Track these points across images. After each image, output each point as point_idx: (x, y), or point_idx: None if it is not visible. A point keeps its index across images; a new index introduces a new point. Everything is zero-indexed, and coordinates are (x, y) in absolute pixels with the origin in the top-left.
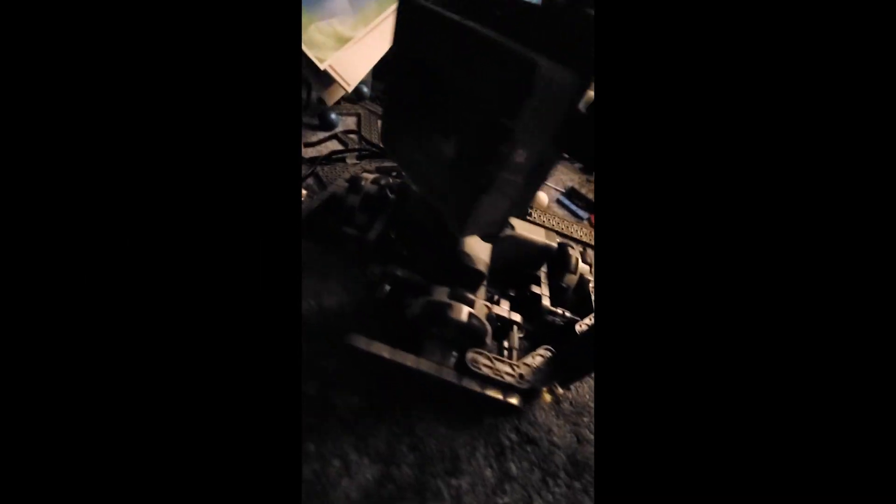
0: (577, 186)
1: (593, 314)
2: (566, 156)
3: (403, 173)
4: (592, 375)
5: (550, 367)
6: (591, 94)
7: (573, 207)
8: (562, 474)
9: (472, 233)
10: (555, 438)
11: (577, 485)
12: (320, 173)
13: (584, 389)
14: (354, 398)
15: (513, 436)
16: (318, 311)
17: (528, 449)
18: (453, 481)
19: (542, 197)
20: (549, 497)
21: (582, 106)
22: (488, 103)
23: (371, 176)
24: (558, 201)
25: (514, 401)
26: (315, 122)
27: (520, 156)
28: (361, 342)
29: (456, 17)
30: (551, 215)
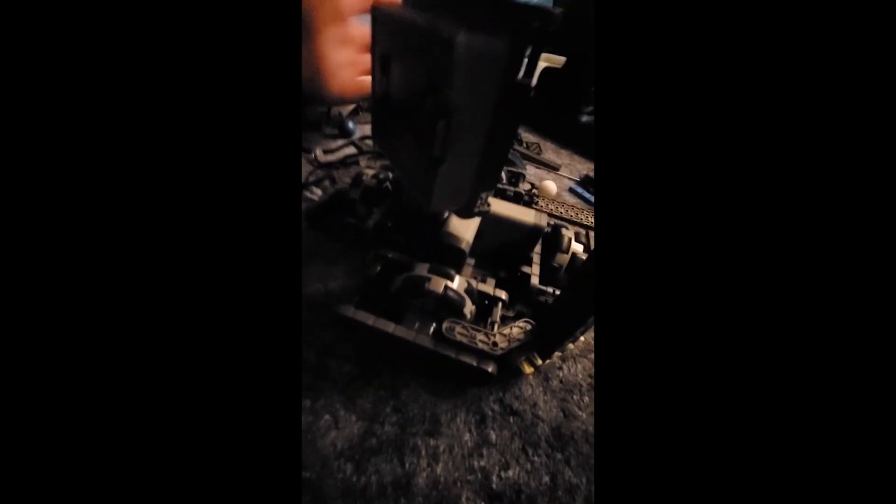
0: (591, 174)
1: (563, 285)
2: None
3: (389, 163)
4: (589, 357)
5: (528, 336)
6: (543, 64)
7: (587, 195)
8: (543, 445)
9: (440, 207)
10: (540, 412)
11: (558, 455)
12: (335, 176)
13: (577, 369)
14: (347, 366)
15: (496, 406)
16: (323, 292)
17: (511, 420)
18: (431, 441)
19: (551, 186)
20: (528, 465)
21: (534, 77)
22: (429, 82)
23: (372, 171)
24: (571, 190)
25: (488, 368)
26: (335, 131)
27: (461, 128)
28: (349, 311)
29: (406, 15)
30: (560, 203)
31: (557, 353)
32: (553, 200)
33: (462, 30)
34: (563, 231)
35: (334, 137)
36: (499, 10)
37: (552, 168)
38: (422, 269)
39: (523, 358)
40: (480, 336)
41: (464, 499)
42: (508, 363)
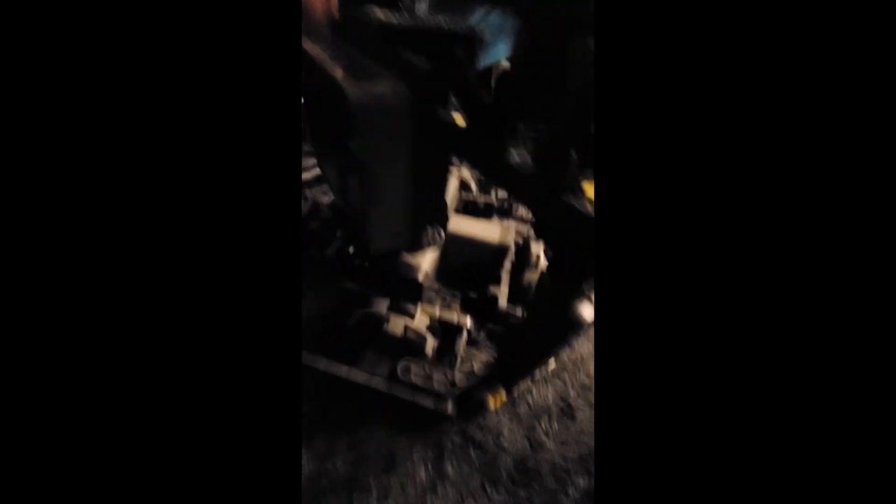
0: None
1: (523, 307)
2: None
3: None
4: (562, 377)
5: (490, 370)
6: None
7: None
8: (505, 480)
9: (381, 248)
10: (504, 443)
11: (521, 492)
12: (308, 194)
13: (548, 392)
14: (304, 406)
15: (457, 439)
16: None
17: (472, 453)
18: (384, 479)
19: None
20: (486, 502)
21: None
22: (336, 132)
23: (329, 198)
24: None
25: (446, 409)
26: (309, 148)
27: (377, 175)
28: (303, 360)
29: (324, 55)
30: None
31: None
32: None
33: (355, 82)
34: (532, 246)
35: (308, 154)
36: (420, 41)
37: None
38: (380, 305)
39: (488, 392)
40: (438, 375)
41: None
42: (470, 400)
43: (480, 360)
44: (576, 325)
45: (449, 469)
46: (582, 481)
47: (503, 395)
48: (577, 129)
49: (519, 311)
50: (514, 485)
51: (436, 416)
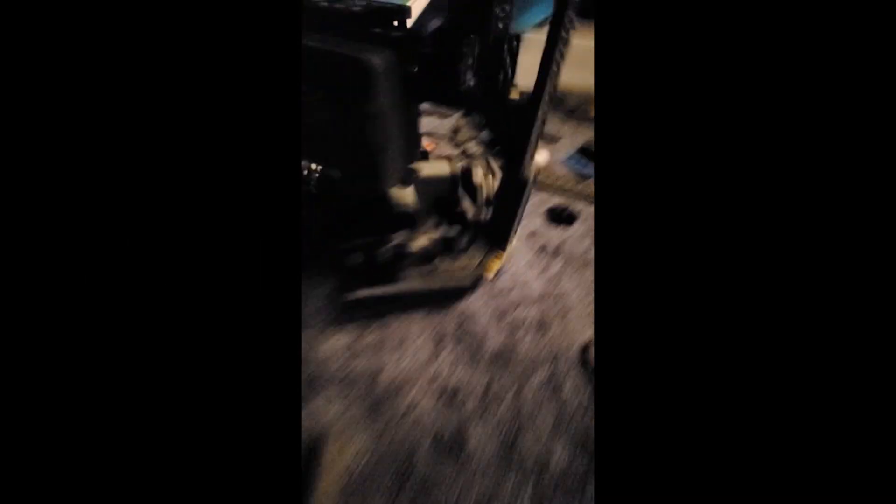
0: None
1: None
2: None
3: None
4: (543, 303)
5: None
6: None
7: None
8: (485, 360)
9: (392, 185)
10: (488, 338)
11: (496, 371)
12: None
13: (531, 312)
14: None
15: (454, 329)
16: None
17: (463, 340)
18: (400, 348)
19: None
20: (469, 373)
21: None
22: (350, 97)
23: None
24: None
25: (468, 284)
26: None
27: (388, 124)
28: (356, 294)
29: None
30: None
31: (518, 308)
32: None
33: (375, 54)
34: (473, 168)
35: None
36: (374, 18)
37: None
38: (399, 237)
39: (492, 257)
40: (458, 263)
41: (416, 388)
42: (480, 270)
43: (475, 254)
44: (527, 178)
45: (447, 347)
46: (546, 374)
47: (501, 257)
48: (498, 58)
49: (482, 215)
50: (491, 365)
51: (458, 294)
